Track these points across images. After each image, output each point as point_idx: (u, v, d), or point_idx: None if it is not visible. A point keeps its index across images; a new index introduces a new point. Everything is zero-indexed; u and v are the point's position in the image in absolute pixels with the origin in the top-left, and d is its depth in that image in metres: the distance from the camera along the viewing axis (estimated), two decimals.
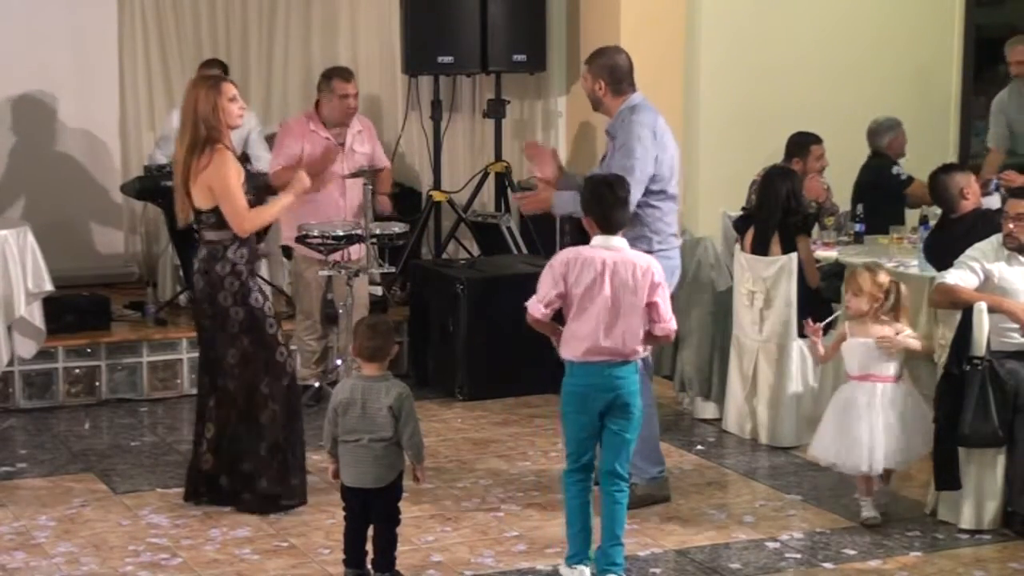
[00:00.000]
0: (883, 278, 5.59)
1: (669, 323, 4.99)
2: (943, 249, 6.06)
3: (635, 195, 5.57)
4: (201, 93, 5.52)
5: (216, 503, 5.70)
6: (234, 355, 5.62)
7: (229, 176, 5.49)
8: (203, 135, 5.49)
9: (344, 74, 7.37)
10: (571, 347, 4.95)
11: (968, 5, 9.23)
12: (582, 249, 5.00)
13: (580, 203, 5.11)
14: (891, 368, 5.59)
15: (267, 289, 5.82)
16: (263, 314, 5.61)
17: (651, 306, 4.95)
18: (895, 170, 8.06)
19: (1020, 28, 8.45)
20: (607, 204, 4.99)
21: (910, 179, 7.97)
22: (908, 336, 5.59)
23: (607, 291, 4.89)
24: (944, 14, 9.18)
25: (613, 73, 5.79)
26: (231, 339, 5.61)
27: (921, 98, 9.12)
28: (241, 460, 5.66)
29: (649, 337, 4.99)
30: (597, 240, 5.00)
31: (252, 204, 5.57)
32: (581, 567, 4.97)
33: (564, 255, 4.98)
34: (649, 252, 5.64)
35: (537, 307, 4.94)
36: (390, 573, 4.87)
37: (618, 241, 4.99)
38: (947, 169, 6.58)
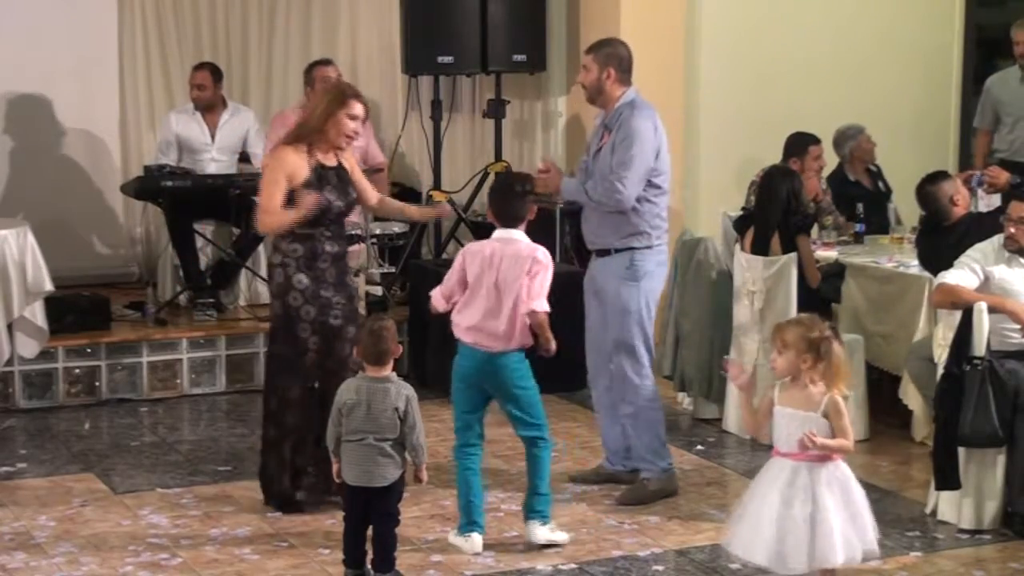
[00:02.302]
0: (816, 332, 4.46)
1: (533, 302, 5.12)
2: (939, 255, 6.06)
3: (634, 189, 5.67)
4: (328, 97, 5.54)
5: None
6: (270, 352, 5.69)
7: (266, 171, 5.52)
8: (300, 131, 5.54)
9: (323, 61, 7.58)
10: (459, 331, 5.23)
11: (969, 5, 9.22)
12: (480, 243, 5.30)
13: (489, 195, 5.42)
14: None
15: (322, 294, 5.56)
16: (297, 316, 5.53)
17: (521, 285, 5.15)
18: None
19: None
20: (505, 198, 5.29)
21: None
22: (828, 437, 4.43)
23: (492, 280, 5.15)
24: (945, 14, 9.18)
25: (621, 63, 5.82)
26: (274, 334, 5.66)
27: (921, 98, 9.12)
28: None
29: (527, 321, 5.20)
30: (498, 233, 5.28)
31: (334, 210, 5.52)
32: (475, 535, 5.23)
33: (465, 249, 5.29)
34: (648, 248, 5.78)
35: (439, 300, 5.28)
36: (390, 573, 4.88)
37: (516, 234, 5.25)
38: (933, 179, 6.58)
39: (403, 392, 4.84)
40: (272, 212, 5.48)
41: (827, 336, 4.45)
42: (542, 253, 5.21)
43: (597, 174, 5.74)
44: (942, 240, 6.31)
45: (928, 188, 6.55)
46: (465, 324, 5.21)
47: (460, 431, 5.33)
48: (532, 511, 5.33)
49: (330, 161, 5.57)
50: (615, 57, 5.80)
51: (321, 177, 5.51)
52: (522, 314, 5.13)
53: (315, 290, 5.53)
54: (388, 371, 4.88)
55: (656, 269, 5.86)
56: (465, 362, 5.25)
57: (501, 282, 5.15)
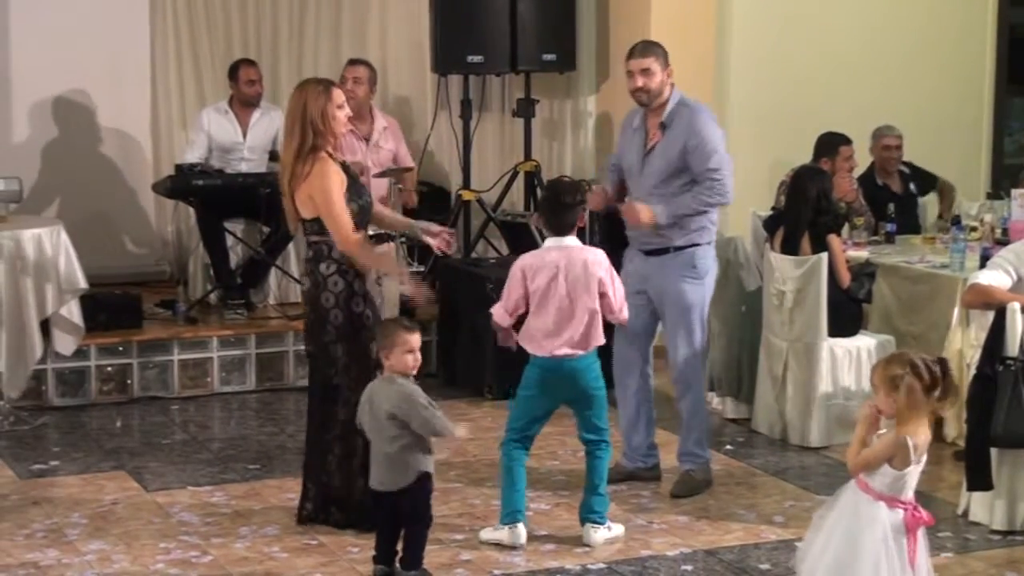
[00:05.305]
0: (896, 368, 4.10)
1: (620, 313, 5.32)
2: None
3: (730, 183, 5.78)
4: (310, 97, 5.30)
5: (355, 525, 5.37)
6: (331, 367, 5.33)
7: (331, 189, 5.21)
8: (310, 141, 5.26)
9: (351, 61, 7.74)
10: (533, 343, 5.26)
11: (1002, 5, 9.18)
12: (537, 253, 5.30)
13: (539, 205, 5.44)
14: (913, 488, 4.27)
15: (373, 297, 5.50)
16: (361, 323, 5.32)
17: (603, 296, 5.25)
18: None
19: None
20: (557, 210, 5.28)
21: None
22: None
23: (563, 290, 5.18)
24: (977, 14, 9.13)
25: (669, 61, 5.86)
26: (325, 348, 5.33)
27: (954, 98, 9.07)
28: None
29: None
30: (550, 242, 5.30)
31: (355, 214, 5.28)
32: (520, 525, 5.28)
33: (522, 262, 5.28)
34: (709, 244, 5.94)
35: (504, 316, 5.27)
36: (417, 571, 4.88)
37: (570, 240, 5.27)
38: None
39: (396, 392, 4.80)
40: (353, 239, 5.24)
41: (903, 373, 4.07)
42: (603, 257, 5.29)
43: (656, 173, 5.77)
44: None
45: None
46: (541, 336, 5.23)
47: (518, 430, 5.34)
48: (590, 511, 5.36)
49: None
50: (667, 56, 5.83)
51: (351, 177, 5.44)
52: (595, 318, 5.21)
53: (365, 292, 5.41)
54: (388, 372, 4.89)
55: (713, 265, 6.00)
56: (541, 372, 5.28)
57: (572, 292, 5.20)
